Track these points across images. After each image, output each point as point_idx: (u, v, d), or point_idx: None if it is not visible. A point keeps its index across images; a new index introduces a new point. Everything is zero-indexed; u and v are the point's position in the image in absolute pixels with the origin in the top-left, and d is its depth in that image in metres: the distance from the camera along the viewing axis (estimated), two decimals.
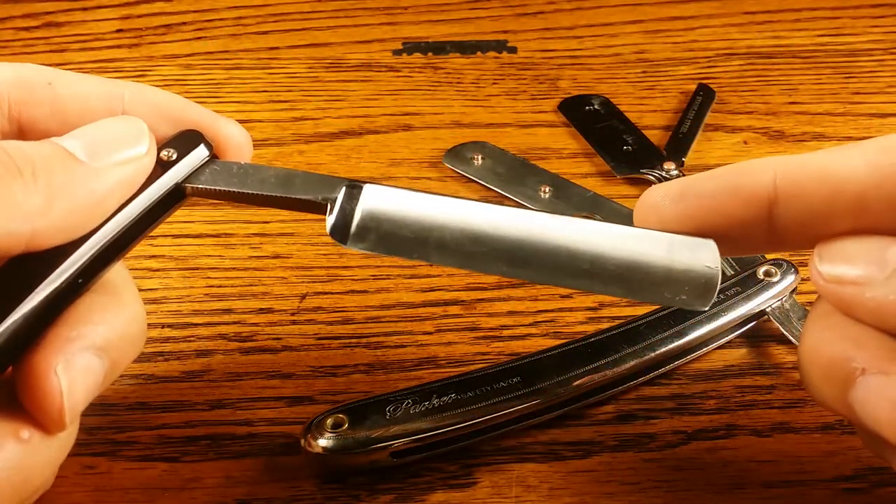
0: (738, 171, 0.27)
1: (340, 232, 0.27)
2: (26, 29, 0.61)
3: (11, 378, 0.24)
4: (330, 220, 0.27)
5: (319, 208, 0.28)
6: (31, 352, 0.24)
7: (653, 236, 0.27)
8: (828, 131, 0.51)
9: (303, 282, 0.41)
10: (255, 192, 0.28)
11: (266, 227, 0.44)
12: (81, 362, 0.24)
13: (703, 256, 0.26)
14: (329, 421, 0.32)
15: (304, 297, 0.41)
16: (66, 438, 0.25)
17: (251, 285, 0.41)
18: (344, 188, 0.28)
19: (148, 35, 0.60)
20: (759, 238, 0.27)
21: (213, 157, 0.29)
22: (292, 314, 0.40)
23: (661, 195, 0.27)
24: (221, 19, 0.62)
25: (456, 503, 0.32)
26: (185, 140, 0.28)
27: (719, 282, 0.26)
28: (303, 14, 0.62)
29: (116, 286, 0.26)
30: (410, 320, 0.39)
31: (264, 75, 0.56)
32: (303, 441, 0.32)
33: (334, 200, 0.28)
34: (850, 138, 0.50)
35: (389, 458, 0.32)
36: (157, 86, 0.57)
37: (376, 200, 0.28)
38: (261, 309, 0.40)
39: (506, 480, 0.33)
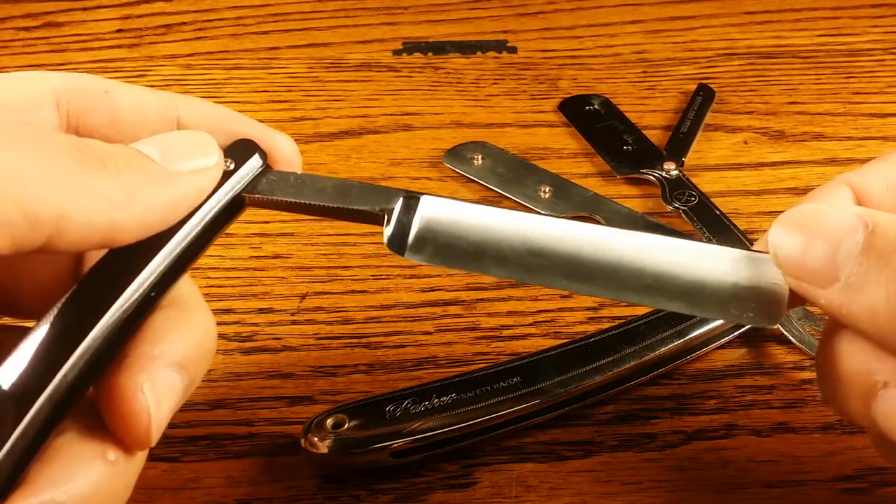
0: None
1: (398, 243, 0.27)
2: (26, 29, 0.61)
3: (92, 398, 0.24)
4: (387, 231, 0.27)
5: (376, 219, 0.27)
6: (113, 371, 0.23)
7: (715, 251, 0.26)
8: (828, 131, 0.51)
9: (303, 282, 0.41)
10: (312, 203, 0.28)
11: (266, 227, 0.44)
12: (165, 380, 0.24)
13: (770, 272, 0.25)
14: (329, 421, 0.32)
15: (304, 297, 0.41)
16: (142, 459, 0.25)
17: (251, 285, 0.41)
18: (401, 199, 0.27)
19: (148, 35, 0.60)
20: None
21: (267, 166, 0.29)
22: (292, 314, 0.40)
23: None
24: (221, 19, 0.62)
25: (456, 503, 0.32)
26: (241, 150, 0.28)
27: (787, 298, 0.25)
28: (303, 14, 0.62)
29: (187, 300, 0.26)
30: (410, 320, 0.39)
31: (264, 75, 0.56)
32: (303, 441, 0.32)
33: (391, 211, 0.27)
34: (850, 138, 0.50)
35: (389, 458, 0.32)
36: (157, 86, 0.57)
37: (433, 211, 0.27)
38: (261, 309, 0.40)
39: (506, 480, 0.33)
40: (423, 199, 0.27)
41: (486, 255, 0.26)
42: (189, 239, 0.26)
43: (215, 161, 0.27)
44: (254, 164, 0.28)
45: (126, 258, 0.24)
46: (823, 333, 0.26)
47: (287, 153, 0.30)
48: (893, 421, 0.23)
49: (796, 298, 0.25)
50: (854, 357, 0.24)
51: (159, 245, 0.25)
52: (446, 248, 0.27)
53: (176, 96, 0.29)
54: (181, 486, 0.33)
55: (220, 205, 0.27)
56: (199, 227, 0.26)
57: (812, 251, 0.24)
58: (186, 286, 0.27)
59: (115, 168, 0.23)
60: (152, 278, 0.25)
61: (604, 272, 0.26)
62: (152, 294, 0.25)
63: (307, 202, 0.28)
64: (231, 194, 0.27)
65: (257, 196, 0.28)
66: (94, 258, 0.25)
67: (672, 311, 0.26)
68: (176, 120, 0.28)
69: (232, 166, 0.27)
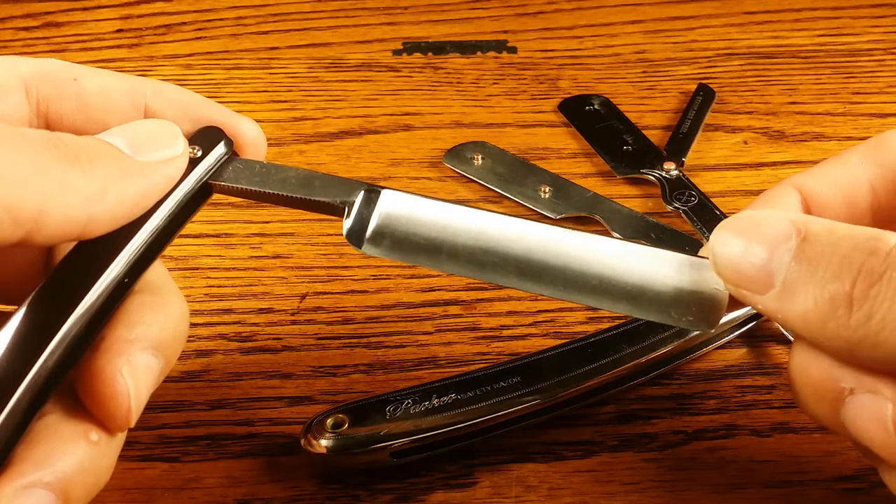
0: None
1: (356, 236, 0.27)
2: (26, 29, 0.61)
3: (71, 381, 0.24)
4: (346, 223, 0.27)
5: (337, 211, 0.28)
6: (91, 355, 0.24)
7: (662, 255, 0.27)
8: (828, 131, 0.51)
9: (303, 282, 0.41)
10: (275, 192, 0.28)
11: (266, 227, 0.44)
12: (142, 362, 0.25)
13: (712, 277, 0.26)
14: (329, 421, 0.32)
15: (304, 297, 0.41)
16: (122, 438, 0.26)
17: (251, 285, 0.41)
18: (362, 192, 0.28)
19: (148, 35, 0.60)
20: None
21: (233, 153, 0.29)
22: (292, 314, 0.40)
23: None
24: (221, 19, 0.62)
25: (456, 503, 0.32)
26: (207, 137, 0.28)
27: (726, 304, 0.26)
28: (303, 14, 0.62)
29: (159, 286, 0.27)
30: (410, 320, 0.39)
31: (264, 75, 0.56)
32: (303, 441, 0.32)
33: (352, 204, 0.28)
34: (850, 138, 0.50)
35: (389, 458, 0.32)
36: None
37: (393, 206, 0.27)
38: (261, 309, 0.40)
39: (506, 480, 0.33)
40: (384, 193, 0.28)
41: (440, 251, 0.27)
42: (160, 225, 0.26)
43: (181, 150, 0.27)
44: (220, 151, 0.28)
45: (99, 246, 0.25)
46: (794, 341, 0.26)
47: (252, 138, 0.30)
48: (861, 426, 0.24)
49: (736, 304, 0.26)
50: (822, 364, 0.25)
51: (131, 233, 0.25)
52: (403, 243, 0.27)
53: (144, 81, 0.29)
54: (181, 486, 0.33)
55: (188, 193, 0.27)
56: (169, 214, 0.27)
57: (748, 258, 0.24)
58: (158, 271, 0.27)
59: (87, 162, 0.24)
60: (125, 265, 0.25)
61: (552, 272, 0.27)
62: (126, 280, 0.25)
63: (270, 191, 0.28)
64: (199, 182, 0.28)
65: (224, 184, 0.28)
66: (67, 245, 0.25)
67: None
68: (143, 106, 0.29)
69: (199, 153, 0.28)
